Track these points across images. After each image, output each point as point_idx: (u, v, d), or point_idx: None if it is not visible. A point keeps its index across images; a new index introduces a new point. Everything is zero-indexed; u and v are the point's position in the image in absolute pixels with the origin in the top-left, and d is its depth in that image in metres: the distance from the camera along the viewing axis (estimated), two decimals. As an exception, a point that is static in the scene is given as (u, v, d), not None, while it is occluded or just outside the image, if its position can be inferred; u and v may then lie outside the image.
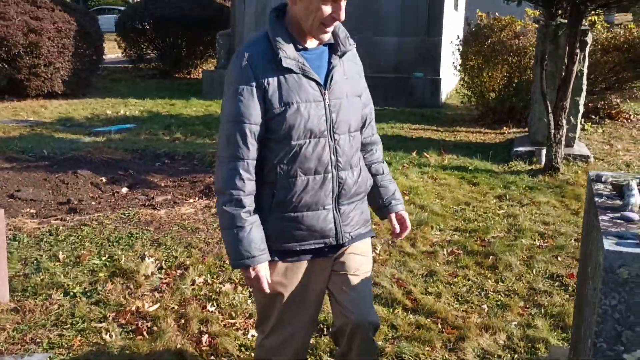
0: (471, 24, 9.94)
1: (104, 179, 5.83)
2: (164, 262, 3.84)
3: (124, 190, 5.60)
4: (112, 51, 17.46)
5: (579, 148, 6.95)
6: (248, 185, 1.91)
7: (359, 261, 2.14)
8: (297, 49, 1.92)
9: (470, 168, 6.40)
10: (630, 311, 1.40)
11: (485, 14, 9.76)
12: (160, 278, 3.69)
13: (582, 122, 8.72)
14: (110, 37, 16.71)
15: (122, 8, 23.99)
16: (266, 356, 2.18)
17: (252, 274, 1.94)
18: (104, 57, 12.78)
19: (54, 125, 8.87)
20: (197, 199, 5.21)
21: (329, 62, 1.98)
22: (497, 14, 9.70)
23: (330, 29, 1.92)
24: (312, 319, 2.18)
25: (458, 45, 9.81)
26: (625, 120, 9.14)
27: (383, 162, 2.28)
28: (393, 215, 2.23)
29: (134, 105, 10.74)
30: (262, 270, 1.95)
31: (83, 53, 11.53)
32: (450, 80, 12.06)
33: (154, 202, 5.10)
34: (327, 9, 1.85)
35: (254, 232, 1.92)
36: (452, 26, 12.25)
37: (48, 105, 10.55)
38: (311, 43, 1.97)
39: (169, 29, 14.31)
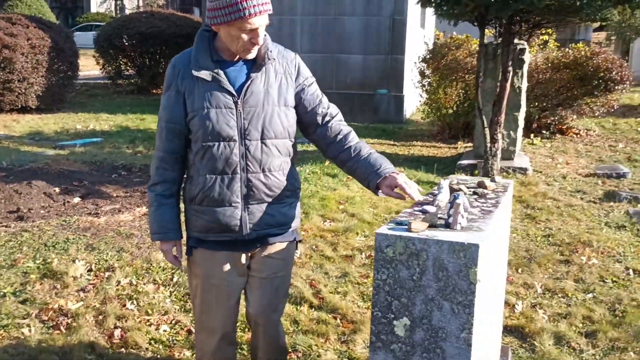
0: (428, 43, 10.32)
1: (57, 190, 6.06)
2: (94, 264, 4.07)
3: (76, 200, 5.83)
4: (95, 67, 17.70)
5: (519, 161, 7.26)
6: (164, 174, 2.25)
7: (273, 265, 2.33)
8: (215, 61, 2.11)
9: (412, 180, 6.67)
10: (397, 284, 1.67)
11: (442, 33, 10.13)
12: (89, 279, 3.92)
13: (532, 137, 9.06)
14: (95, 54, 16.94)
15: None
16: (199, 346, 2.44)
17: (160, 247, 2.33)
18: (78, 73, 13.04)
19: (22, 138, 9.12)
20: (143, 208, 5.45)
21: (248, 74, 2.14)
22: (454, 33, 10.08)
23: (254, 49, 2.09)
24: (232, 309, 2.37)
25: (417, 63, 10.17)
26: (575, 136, 9.48)
27: (351, 147, 2.23)
28: (383, 187, 2.12)
29: (104, 120, 11.00)
30: (165, 245, 2.30)
31: (57, 69, 11.80)
32: (414, 97, 12.40)
33: (100, 210, 5.34)
34: (245, 37, 2.02)
35: (163, 213, 2.25)
36: (418, 44, 12.62)
37: (20, 120, 10.79)
38: (234, 56, 2.13)
39: (146, 45, 14.63)
